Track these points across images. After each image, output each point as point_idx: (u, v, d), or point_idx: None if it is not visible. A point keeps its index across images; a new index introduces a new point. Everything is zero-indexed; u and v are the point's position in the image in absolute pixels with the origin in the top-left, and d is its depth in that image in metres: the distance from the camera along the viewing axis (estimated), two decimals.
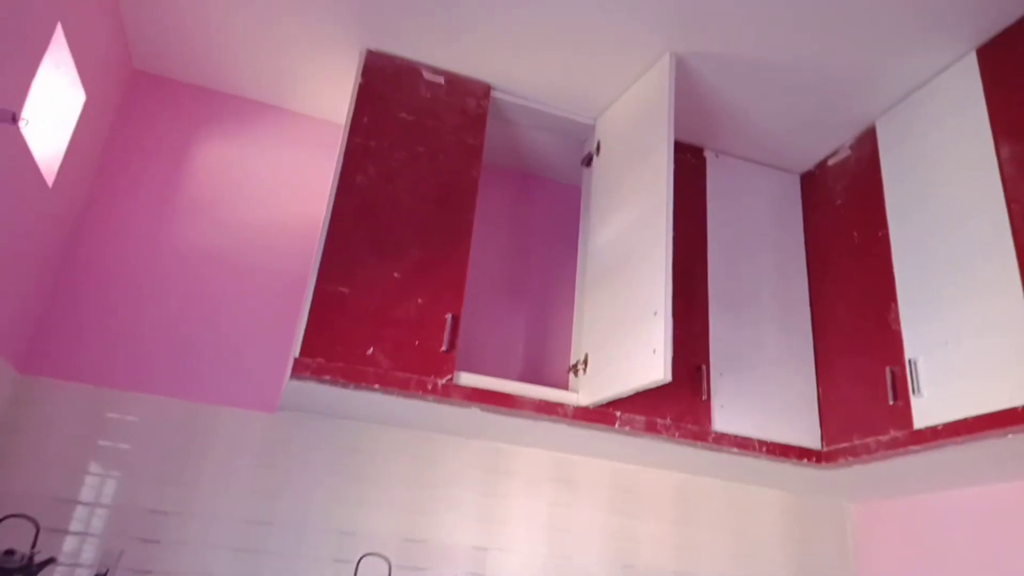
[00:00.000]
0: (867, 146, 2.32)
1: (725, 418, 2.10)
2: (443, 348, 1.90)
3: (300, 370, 1.77)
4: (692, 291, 2.26)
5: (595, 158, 2.41)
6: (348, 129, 2.09)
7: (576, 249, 2.72)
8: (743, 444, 2.08)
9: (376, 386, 1.82)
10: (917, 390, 1.89)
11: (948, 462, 1.96)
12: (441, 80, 2.25)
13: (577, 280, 2.38)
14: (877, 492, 2.44)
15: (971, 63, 1.99)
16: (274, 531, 2.03)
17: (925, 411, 1.86)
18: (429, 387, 1.85)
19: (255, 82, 2.44)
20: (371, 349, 1.85)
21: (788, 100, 2.26)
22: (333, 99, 2.49)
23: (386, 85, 2.18)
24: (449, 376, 1.88)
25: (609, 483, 2.39)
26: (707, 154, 2.51)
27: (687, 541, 2.40)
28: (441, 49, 2.18)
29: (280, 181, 2.46)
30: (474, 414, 1.99)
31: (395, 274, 1.95)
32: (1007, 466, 1.95)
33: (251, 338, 2.23)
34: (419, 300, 1.94)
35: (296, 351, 1.80)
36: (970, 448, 1.81)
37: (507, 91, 2.35)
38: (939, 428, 1.80)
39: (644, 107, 2.17)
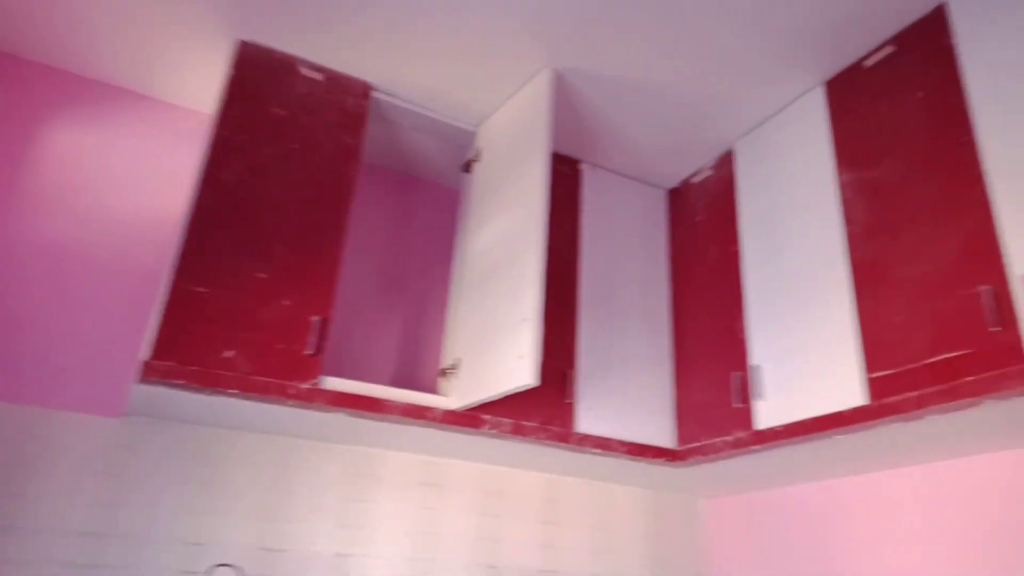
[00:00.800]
0: (726, 167, 2.48)
1: (589, 420, 2.18)
2: (309, 351, 1.86)
3: (149, 374, 1.68)
4: (563, 298, 2.33)
5: (475, 165, 2.44)
6: (216, 122, 2.01)
7: (453, 254, 2.74)
8: (604, 444, 2.17)
9: (233, 391, 1.75)
10: (760, 394, 2.05)
11: (786, 460, 2.14)
12: (319, 77, 2.20)
13: (453, 284, 2.40)
14: (725, 488, 2.62)
15: (819, 96, 2.17)
16: (114, 543, 1.91)
17: (766, 414, 2.01)
18: (291, 392, 1.81)
19: (116, 65, 2.29)
20: (230, 352, 1.78)
21: (659, 120, 2.38)
22: (202, 88, 2.38)
23: (259, 78, 2.11)
24: (314, 380, 1.85)
25: (477, 485, 2.42)
26: (582, 166, 2.60)
27: (551, 540, 2.47)
28: (319, 45, 2.14)
29: (140, 171, 2.33)
30: (340, 419, 1.96)
31: (260, 274, 1.89)
32: (837, 464, 2.14)
33: (99, 338, 2.09)
34: (285, 302, 1.89)
35: (145, 354, 1.70)
36: (805, 447, 1.98)
37: (389, 92, 2.33)
38: (778, 429, 1.96)
39: (523, 118, 2.23)
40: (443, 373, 2.19)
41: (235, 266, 1.87)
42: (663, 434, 2.30)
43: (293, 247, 1.96)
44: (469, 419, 2.03)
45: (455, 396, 2.06)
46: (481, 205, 2.31)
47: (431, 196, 2.81)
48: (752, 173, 2.35)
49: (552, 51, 2.10)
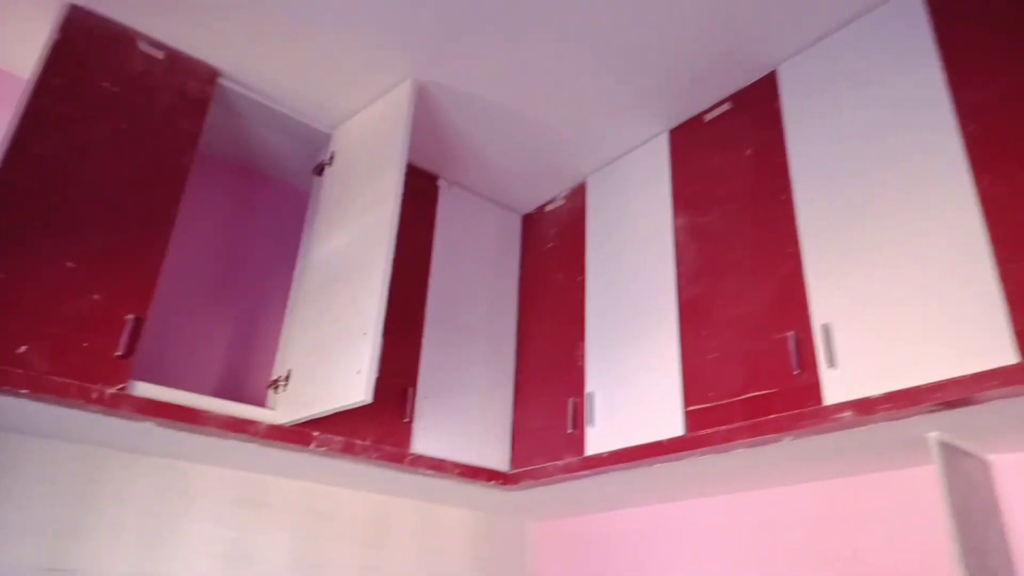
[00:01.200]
0: (578, 199, 2.57)
1: (424, 440, 2.15)
2: (118, 352, 1.69)
3: None
4: (409, 314, 2.29)
5: (327, 168, 2.35)
6: (33, 88, 1.79)
7: (296, 259, 2.62)
8: (438, 466, 2.15)
9: (24, 391, 1.55)
10: (592, 421, 2.12)
11: (612, 486, 2.22)
12: (160, 55, 2.03)
13: (292, 291, 2.29)
14: (554, 512, 2.68)
15: (664, 142, 2.31)
16: None
17: (596, 440, 2.08)
18: (94, 396, 1.63)
19: None
20: (24, 347, 1.58)
21: (518, 144, 2.42)
22: (24, 50, 2.12)
23: (89, 47, 1.91)
24: (122, 385, 1.68)
25: (300, 505, 2.31)
26: (440, 182, 2.59)
27: (376, 563, 2.40)
28: (164, 20, 1.98)
29: None
30: (150, 429, 1.79)
31: (69, 263, 1.70)
32: (657, 491, 2.26)
33: None
34: (95, 296, 1.71)
35: None
36: (629, 474, 2.07)
37: (239, 81, 2.20)
38: (604, 455, 2.03)
39: (381, 127, 2.18)
40: (273, 385, 2.07)
41: (40, 251, 1.66)
42: (498, 457, 2.31)
43: (111, 235, 1.78)
44: (296, 435, 1.93)
45: (283, 410, 1.95)
46: (330, 210, 2.23)
47: (278, 196, 2.68)
48: (601, 207, 2.45)
49: (416, 62, 2.08)
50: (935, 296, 1.50)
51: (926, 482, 1.85)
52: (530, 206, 2.77)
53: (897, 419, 1.53)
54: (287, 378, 2.01)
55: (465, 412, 2.29)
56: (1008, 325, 1.38)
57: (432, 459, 2.14)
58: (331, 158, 2.35)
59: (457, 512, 2.66)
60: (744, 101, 2.10)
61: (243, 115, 2.33)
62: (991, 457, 1.75)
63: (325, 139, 2.42)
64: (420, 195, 2.51)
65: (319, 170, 2.41)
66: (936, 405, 1.45)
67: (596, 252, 2.39)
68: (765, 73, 2.06)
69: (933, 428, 1.58)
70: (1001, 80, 1.53)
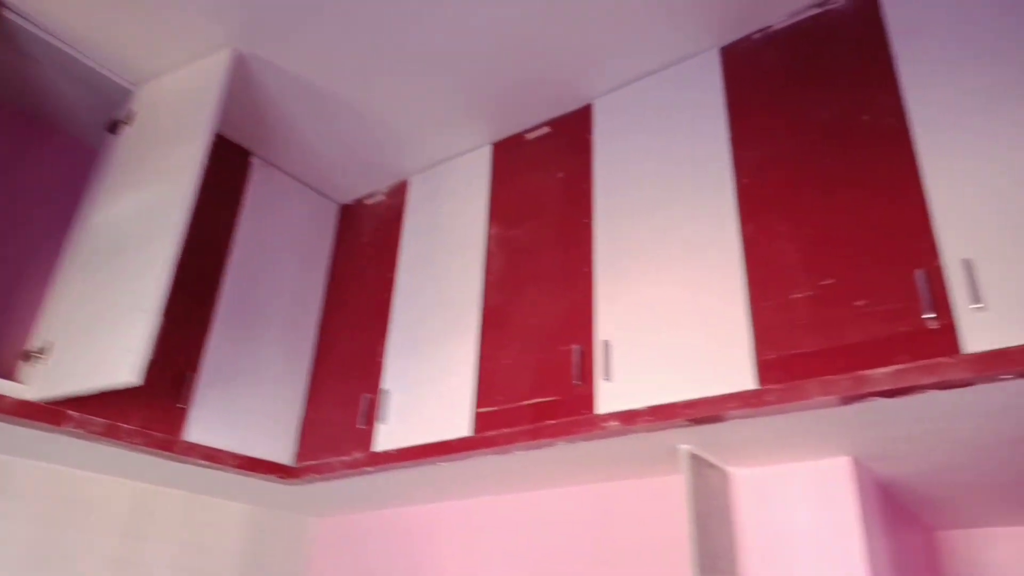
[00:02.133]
0: (399, 196, 2.57)
1: (200, 428, 2.03)
2: None
3: None
4: (200, 294, 2.16)
5: (124, 127, 2.15)
6: None
7: (75, 220, 2.36)
8: (213, 456, 2.03)
9: None
10: (384, 418, 2.12)
11: (398, 483, 2.24)
12: None
13: (66, 255, 2.06)
14: (338, 508, 2.64)
15: (487, 153, 2.37)
16: None
17: (385, 437, 2.09)
18: None
19: None
20: None
21: (341, 132, 2.37)
22: None
23: None
24: None
25: (48, 490, 2.07)
26: (254, 160, 2.47)
27: (133, 555, 2.21)
28: None
29: None
30: None
31: None
32: (444, 489, 2.31)
33: None
34: None
35: None
36: (415, 471, 2.09)
37: (25, 15, 1.95)
38: (392, 452, 2.04)
39: (192, 92, 2.03)
40: (27, 356, 1.85)
41: None
42: (281, 450, 2.23)
43: None
44: (49, 413, 1.73)
45: (37, 385, 1.75)
46: (122, 173, 2.04)
47: (62, 149, 2.40)
48: (421, 207, 2.47)
49: (240, 32, 1.97)
50: (696, 325, 1.68)
51: (676, 489, 2.06)
52: (349, 197, 2.73)
53: (655, 431, 1.69)
54: (47, 350, 1.81)
55: (251, 402, 2.19)
56: (752, 356, 1.58)
57: (206, 448, 2.02)
58: (129, 116, 2.15)
59: (232, 505, 2.53)
60: (562, 127, 2.23)
61: (29, 54, 2.06)
62: (731, 469, 1.99)
63: (124, 95, 2.21)
64: (229, 170, 2.37)
65: (114, 128, 2.19)
66: (688, 420, 1.62)
67: (410, 251, 2.40)
68: (581, 105, 2.20)
69: (685, 441, 1.77)
70: (773, 142, 1.76)
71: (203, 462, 2.01)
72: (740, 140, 1.82)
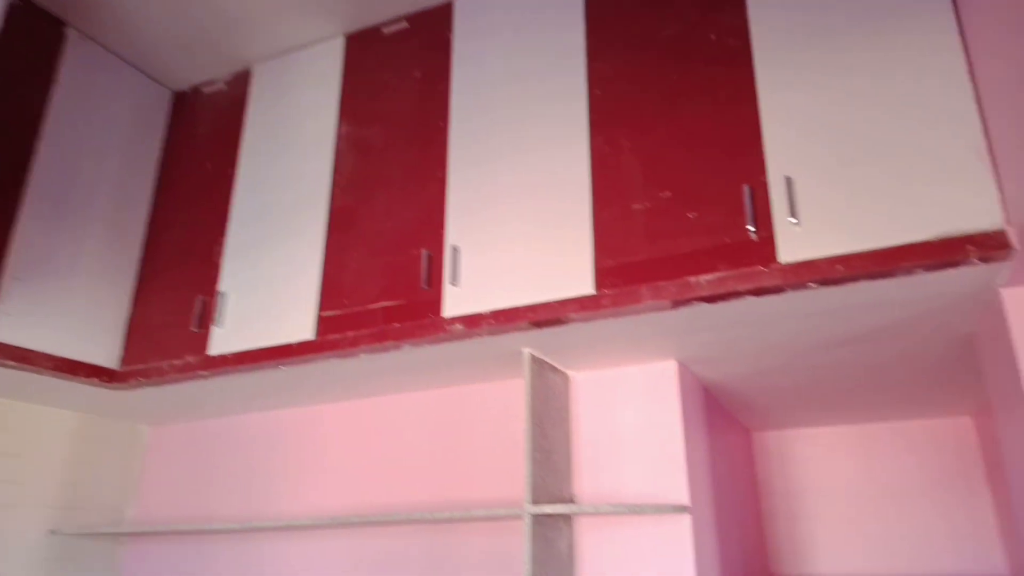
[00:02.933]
0: (240, 87, 2.36)
1: (9, 327, 1.83)
2: None
3: None
4: (2, 180, 1.90)
5: None
6: None
7: None
8: (25, 357, 1.86)
9: None
10: (221, 321, 2.01)
11: (238, 388, 2.16)
12: None
13: None
14: (175, 415, 2.52)
15: (339, 46, 2.22)
16: None
17: (222, 340, 1.99)
18: None
19: None
20: None
21: (178, 10, 2.12)
22: None
23: None
24: None
25: None
26: (69, 32, 2.17)
27: None
28: None
29: None
30: None
31: None
32: (287, 395, 2.25)
33: None
34: None
35: None
36: (254, 376, 2.03)
37: None
38: (228, 356, 1.95)
39: None
40: None
41: None
42: (104, 352, 2.08)
43: None
44: None
45: None
46: None
47: None
48: (265, 99, 2.29)
49: None
50: (542, 232, 1.70)
51: (521, 392, 2.14)
52: (184, 83, 2.48)
53: (498, 334, 1.72)
54: None
55: (69, 300, 2.00)
56: (592, 262, 1.63)
57: (16, 349, 1.84)
58: None
59: (58, 413, 2.35)
60: (421, 24, 2.12)
61: None
62: (571, 373, 2.09)
63: None
64: (36, 40, 2.07)
65: None
66: (529, 324, 1.67)
67: (252, 146, 2.24)
68: (443, 2, 2.09)
69: (527, 344, 1.82)
70: (626, 56, 1.77)
71: (13, 364, 1.82)
72: (596, 52, 1.82)
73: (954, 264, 1.34)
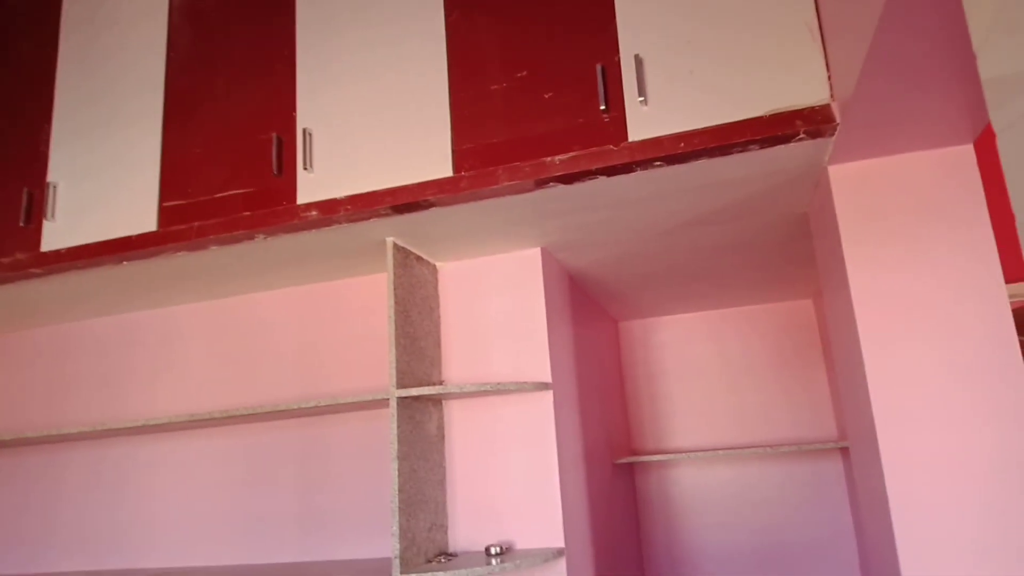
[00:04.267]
0: None
1: None
2: None
3: None
4: None
5: None
6: None
7: None
8: None
9: None
10: (51, 214, 1.85)
11: (78, 287, 2.01)
12: None
13: None
14: (12, 321, 2.33)
15: None
16: None
17: (54, 235, 1.83)
18: None
19: None
20: None
21: None
22: None
23: None
24: None
25: None
26: None
27: None
28: None
29: None
30: None
31: None
32: (134, 295, 2.13)
33: None
34: None
35: None
36: (95, 274, 1.89)
37: None
38: (63, 252, 1.81)
39: None
40: None
41: None
42: None
43: None
44: None
45: None
46: None
47: None
48: None
49: None
50: (399, 114, 1.65)
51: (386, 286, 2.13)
52: None
53: (357, 221, 1.68)
54: None
55: None
56: (449, 143, 1.60)
57: None
58: None
59: None
60: None
61: None
62: (439, 264, 2.09)
63: None
64: None
65: None
66: (389, 209, 1.63)
67: (75, 21, 2.00)
68: None
69: (389, 233, 1.80)
70: None
71: None
72: None
73: (785, 140, 1.42)
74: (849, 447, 1.89)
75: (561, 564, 1.79)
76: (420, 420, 1.85)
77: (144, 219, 1.76)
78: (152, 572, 1.98)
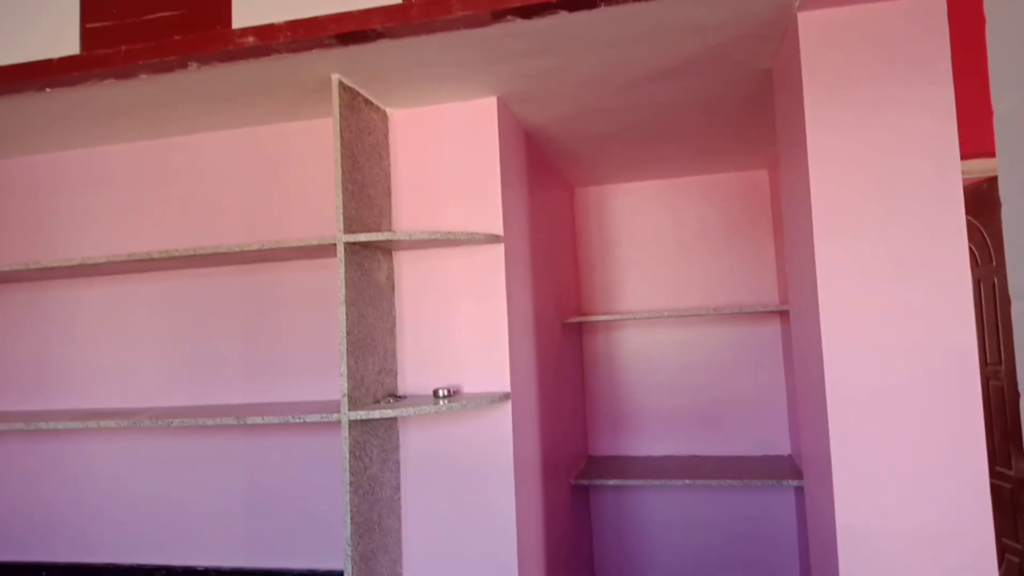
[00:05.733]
0: None
1: None
2: None
3: None
4: None
5: None
6: None
7: None
8: None
9: None
10: None
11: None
12: None
13: None
14: None
15: None
16: None
17: None
18: None
19: None
20: None
21: None
22: None
23: None
24: None
25: None
26: None
27: None
28: None
29: None
30: None
31: None
32: (63, 130, 1.99)
33: None
34: None
35: None
36: (17, 102, 1.75)
37: None
38: None
39: None
40: None
41: None
42: None
43: None
44: None
45: None
46: None
47: None
48: None
49: None
50: None
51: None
52: None
53: (299, 51, 1.57)
54: None
55: None
56: None
57: None
58: None
59: None
60: None
61: None
62: (391, 110, 1.99)
63: None
64: None
65: None
66: (333, 38, 1.52)
67: None
68: None
69: (334, 69, 1.69)
70: None
71: None
72: None
73: None
74: (789, 310, 1.95)
75: (507, 407, 1.85)
76: (369, 268, 1.82)
77: (65, 41, 1.61)
78: (92, 411, 1.98)
